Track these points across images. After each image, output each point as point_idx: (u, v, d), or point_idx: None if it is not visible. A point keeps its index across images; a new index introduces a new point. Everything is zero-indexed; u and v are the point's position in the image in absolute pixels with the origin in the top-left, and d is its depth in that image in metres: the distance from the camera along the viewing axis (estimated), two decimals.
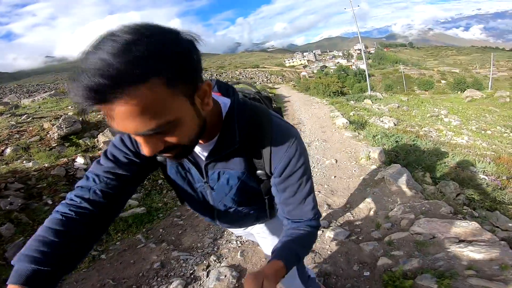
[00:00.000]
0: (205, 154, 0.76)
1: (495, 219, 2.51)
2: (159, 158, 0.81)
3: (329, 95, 17.63)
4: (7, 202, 2.77)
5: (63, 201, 0.70)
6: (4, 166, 4.07)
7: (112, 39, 0.42)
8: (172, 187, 0.91)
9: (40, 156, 4.41)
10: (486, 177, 4.03)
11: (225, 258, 2.31)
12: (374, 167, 3.68)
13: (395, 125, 7.83)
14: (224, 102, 0.73)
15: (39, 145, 4.85)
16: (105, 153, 0.76)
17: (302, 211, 0.79)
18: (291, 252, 0.72)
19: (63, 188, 3.39)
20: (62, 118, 5.66)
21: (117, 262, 2.39)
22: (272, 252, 0.72)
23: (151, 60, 0.43)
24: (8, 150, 4.60)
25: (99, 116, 6.10)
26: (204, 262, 2.29)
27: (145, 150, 0.54)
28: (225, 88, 0.79)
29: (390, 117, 8.79)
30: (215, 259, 2.31)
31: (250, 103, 0.77)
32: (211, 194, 0.87)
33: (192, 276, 2.14)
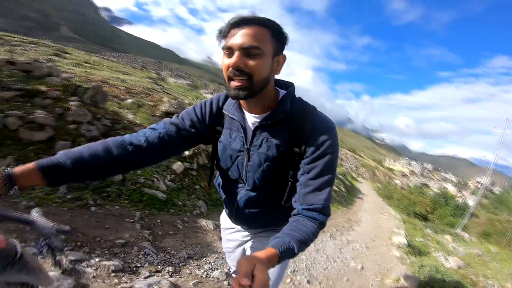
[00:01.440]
0: (258, 122, 0.95)
1: None
2: (217, 128, 1.02)
3: (409, 213, 15.95)
4: (87, 128, 3.77)
5: (131, 134, 0.94)
6: (117, 108, 5.70)
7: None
8: (215, 160, 1.09)
9: (141, 115, 6.02)
10: None
11: (179, 277, 2.27)
12: None
13: (459, 268, 6.87)
14: (282, 92, 0.98)
15: (148, 108, 6.58)
16: (177, 114, 1.04)
17: (317, 197, 0.88)
18: (288, 245, 0.75)
19: None
20: (177, 100, 7.62)
21: (99, 219, 2.62)
22: (271, 241, 0.77)
23: (270, 23, 0.83)
24: (129, 100, 6.49)
25: None
26: (158, 267, 2.29)
27: (234, 60, 0.81)
28: (285, 84, 1.01)
29: (460, 259, 7.69)
30: (170, 271, 2.27)
31: (302, 98, 0.99)
32: (246, 166, 0.99)
33: (134, 269, 2.16)
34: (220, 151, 1.03)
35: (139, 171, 3.88)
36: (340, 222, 7.09)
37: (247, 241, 1.26)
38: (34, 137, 3.32)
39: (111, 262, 2.03)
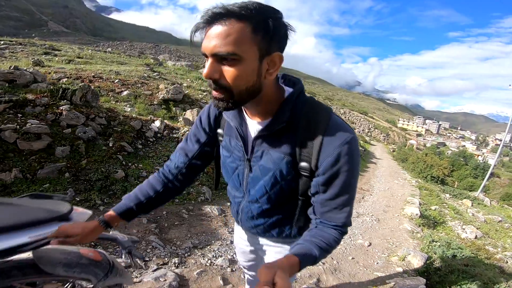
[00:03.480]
0: (257, 131, 0.81)
1: None
2: (219, 131, 0.95)
3: (425, 177, 15.56)
4: (83, 130, 3.77)
5: (163, 167, 1.05)
6: (113, 103, 5.60)
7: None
8: (217, 167, 1.06)
9: (139, 106, 5.97)
10: None
11: (184, 267, 2.32)
12: (399, 270, 3.45)
13: (475, 238, 6.83)
14: (289, 90, 0.79)
15: (146, 98, 6.51)
16: (186, 136, 1.04)
17: (336, 217, 0.79)
18: (310, 252, 0.71)
19: (128, 139, 4.08)
20: (174, 86, 7.44)
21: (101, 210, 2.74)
22: (292, 248, 0.74)
23: (251, 11, 0.61)
24: (125, 93, 6.42)
25: (199, 96, 7.45)
26: (165, 259, 2.34)
27: (206, 71, 0.65)
28: (292, 81, 0.83)
29: (478, 228, 7.62)
30: (176, 262, 2.33)
31: (313, 98, 0.81)
32: (247, 177, 0.89)
33: (145, 263, 2.23)
34: (222, 158, 0.97)
35: (140, 164, 3.92)
36: None
37: (260, 246, 1.16)
38: (33, 147, 3.36)
39: (120, 260, 2.10)
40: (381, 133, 45.28)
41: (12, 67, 4.23)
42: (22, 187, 2.87)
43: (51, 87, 4.25)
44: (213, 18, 0.62)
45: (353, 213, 4.90)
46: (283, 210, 0.92)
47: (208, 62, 0.66)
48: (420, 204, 7.03)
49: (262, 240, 1.11)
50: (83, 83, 4.52)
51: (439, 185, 13.66)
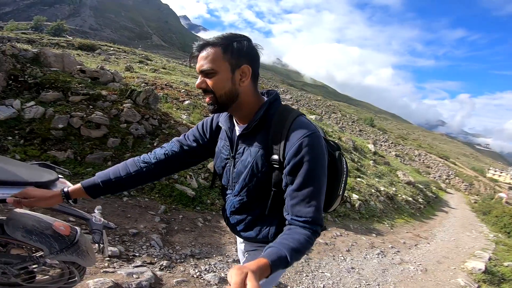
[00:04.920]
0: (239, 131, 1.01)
1: None
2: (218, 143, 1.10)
3: (508, 233, 12.73)
4: (136, 127, 4.20)
5: (148, 153, 1.11)
6: (174, 109, 6.09)
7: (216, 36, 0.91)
8: (215, 169, 1.15)
9: (194, 116, 6.37)
10: None
11: (168, 272, 2.28)
12: None
13: None
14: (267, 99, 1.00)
15: (203, 109, 6.93)
16: (185, 134, 1.15)
17: (304, 210, 0.85)
18: (280, 254, 0.73)
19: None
20: None
21: (125, 209, 2.87)
22: (264, 251, 0.76)
23: (221, 39, 0.87)
24: (186, 102, 6.97)
25: None
26: (155, 259, 2.34)
27: (197, 82, 0.92)
28: (271, 93, 1.04)
29: None
30: (164, 265, 2.30)
31: (287, 106, 1.00)
32: (232, 173, 1.03)
33: (130, 257, 2.27)
34: (214, 159, 1.12)
35: None
36: (402, 237, 6.14)
37: (245, 253, 1.22)
38: (92, 134, 3.89)
39: (111, 248, 2.20)
40: (462, 182, 38.96)
41: (99, 66, 5.08)
42: (70, 166, 3.31)
43: (122, 87, 4.92)
44: (200, 48, 0.90)
45: (395, 260, 4.51)
46: (262, 205, 1.00)
47: (199, 77, 0.92)
48: (489, 259, 5.84)
49: (245, 245, 1.19)
50: (147, 87, 5.09)
51: None
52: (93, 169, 3.40)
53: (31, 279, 1.30)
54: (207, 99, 0.93)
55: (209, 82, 0.89)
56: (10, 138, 3.42)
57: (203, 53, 0.89)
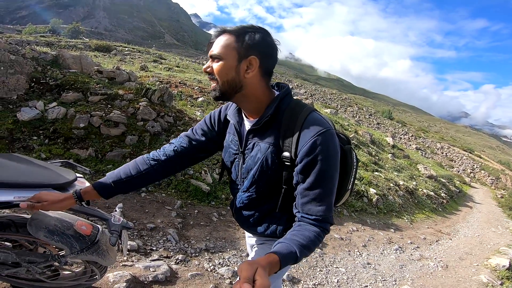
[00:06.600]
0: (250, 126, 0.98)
1: None
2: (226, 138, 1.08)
3: None
4: (152, 125, 4.31)
5: (156, 150, 1.11)
6: (189, 106, 6.17)
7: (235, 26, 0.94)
8: (223, 162, 1.13)
9: (208, 112, 6.47)
10: None
11: (184, 265, 2.32)
12: None
13: None
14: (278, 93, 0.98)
15: (217, 106, 6.93)
16: (192, 127, 1.15)
17: (315, 209, 0.84)
18: (290, 250, 0.75)
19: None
20: None
21: (143, 204, 2.97)
22: (273, 246, 0.77)
23: (237, 29, 0.89)
24: (200, 99, 7.08)
25: None
26: (171, 253, 2.40)
27: (204, 66, 0.94)
28: (282, 87, 1.01)
29: None
30: (179, 259, 2.35)
31: (299, 100, 0.97)
32: (241, 169, 1.01)
33: (148, 251, 2.34)
34: (223, 153, 1.10)
35: None
36: (423, 233, 5.97)
37: (254, 246, 1.22)
38: (111, 132, 4.04)
39: (129, 243, 2.27)
40: (488, 176, 37.16)
41: (115, 67, 5.23)
42: (91, 164, 3.45)
43: (138, 86, 5.05)
44: (218, 34, 0.92)
45: (414, 255, 4.40)
46: (271, 201, 0.99)
47: (209, 61, 0.93)
48: None
49: (255, 239, 1.18)
50: (162, 85, 5.19)
51: None
52: (113, 166, 3.53)
53: (55, 277, 1.35)
54: (211, 84, 0.93)
55: (214, 67, 0.89)
56: (35, 138, 3.60)
57: (217, 40, 0.90)
